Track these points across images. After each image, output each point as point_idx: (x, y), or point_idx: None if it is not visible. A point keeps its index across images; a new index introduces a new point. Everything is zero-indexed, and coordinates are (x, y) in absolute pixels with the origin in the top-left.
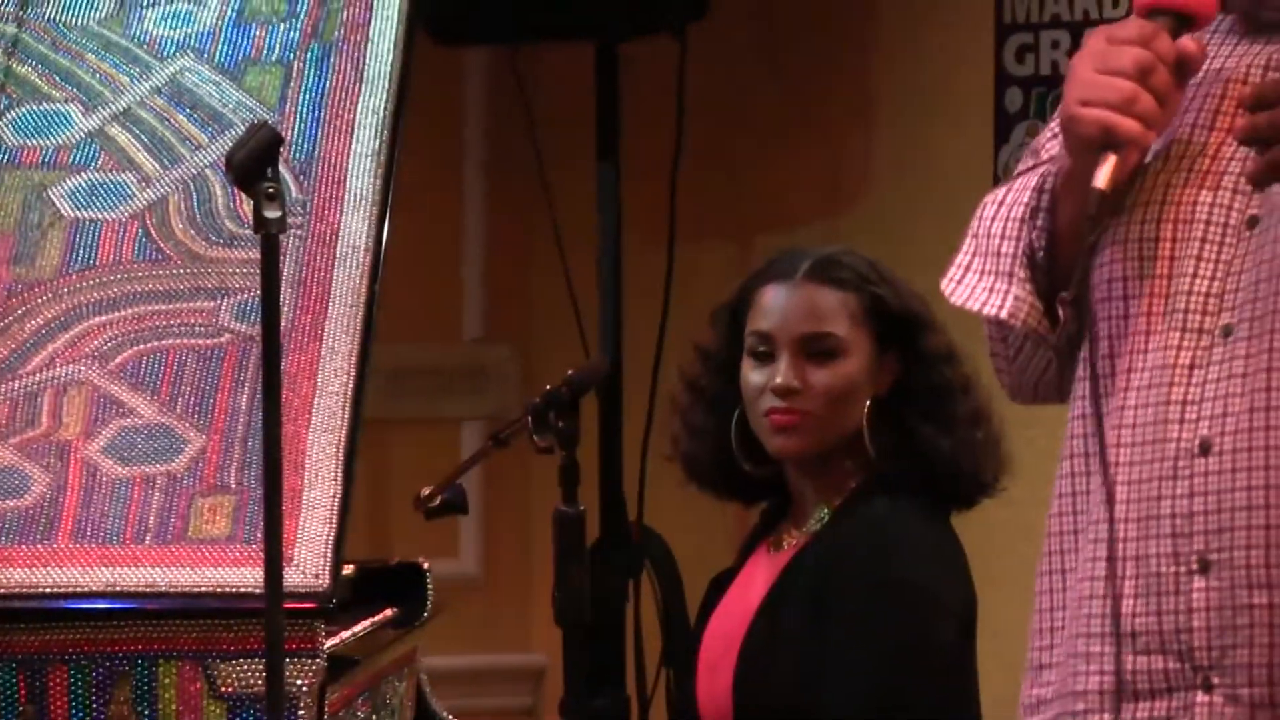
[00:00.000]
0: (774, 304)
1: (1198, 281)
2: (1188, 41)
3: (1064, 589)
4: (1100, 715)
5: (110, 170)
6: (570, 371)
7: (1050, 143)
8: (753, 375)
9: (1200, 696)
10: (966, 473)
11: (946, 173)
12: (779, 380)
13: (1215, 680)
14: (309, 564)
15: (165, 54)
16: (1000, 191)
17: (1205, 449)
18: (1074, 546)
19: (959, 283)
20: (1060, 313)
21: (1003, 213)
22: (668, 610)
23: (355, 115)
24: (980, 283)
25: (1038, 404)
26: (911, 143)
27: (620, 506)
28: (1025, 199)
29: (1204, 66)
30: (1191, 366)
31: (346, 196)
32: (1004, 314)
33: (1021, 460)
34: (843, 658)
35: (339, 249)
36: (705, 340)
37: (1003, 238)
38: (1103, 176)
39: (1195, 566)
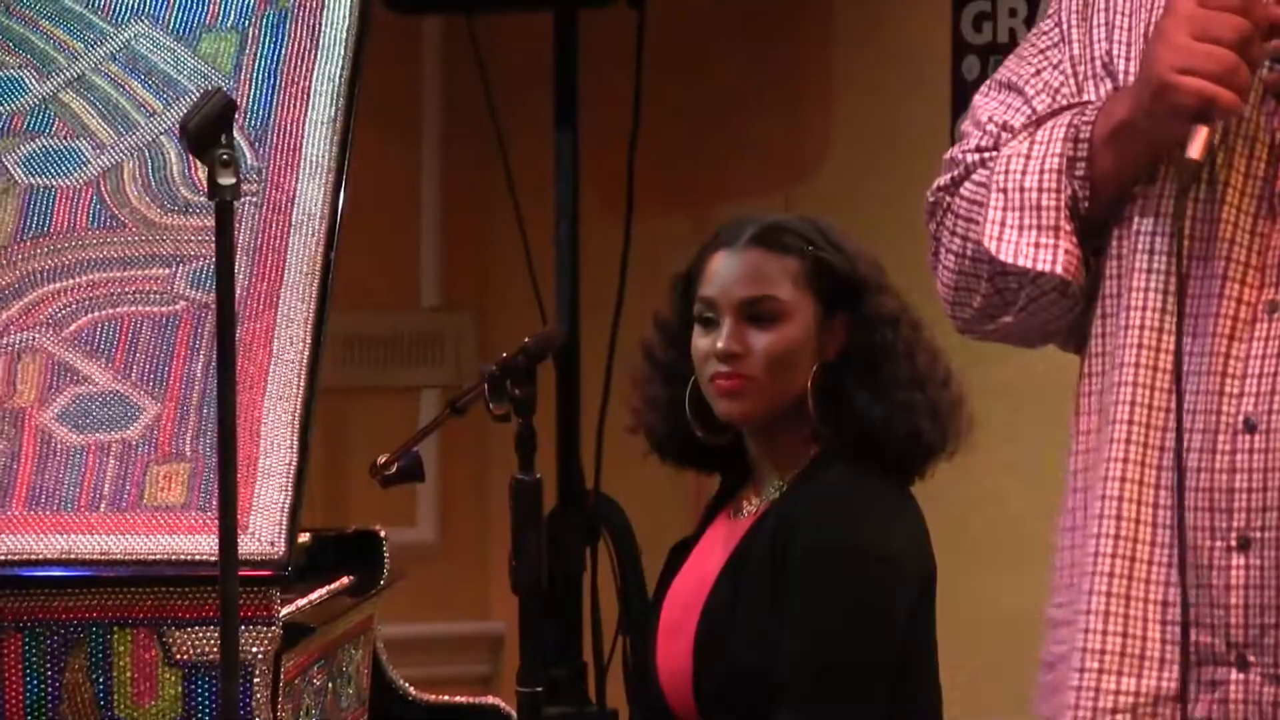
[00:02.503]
0: (718, 270)
1: (1235, 249)
2: (1277, 8)
3: (1079, 546)
4: (1114, 677)
5: (64, 137)
6: (527, 339)
7: (1033, 79)
8: (700, 341)
9: (1235, 674)
10: (902, 436)
11: (904, 141)
12: (720, 345)
13: (1251, 658)
14: (264, 532)
15: (119, 20)
16: (1018, 144)
17: (1251, 427)
18: (1088, 504)
19: (1000, 240)
20: (1091, 263)
21: (1033, 165)
22: (624, 579)
23: (311, 82)
24: (1024, 238)
25: (1025, 346)
26: (869, 112)
27: (577, 475)
28: (1056, 150)
29: None
30: (1231, 338)
31: (302, 164)
32: (1059, 269)
33: (981, 431)
34: (802, 623)
35: (294, 216)
36: (662, 310)
37: (1040, 190)
38: (1198, 148)
39: (1235, 543)
